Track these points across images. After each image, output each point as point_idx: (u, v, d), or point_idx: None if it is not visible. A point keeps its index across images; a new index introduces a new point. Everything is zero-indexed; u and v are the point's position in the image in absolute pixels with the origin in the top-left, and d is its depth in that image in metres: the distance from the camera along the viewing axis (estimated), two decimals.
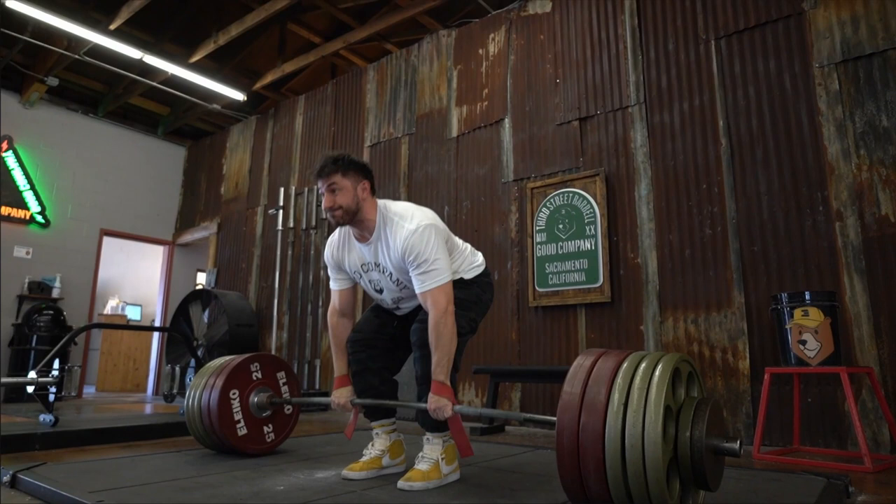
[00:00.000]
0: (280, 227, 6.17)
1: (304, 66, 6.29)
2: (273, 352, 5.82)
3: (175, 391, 5.97)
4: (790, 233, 3.33)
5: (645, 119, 3.99)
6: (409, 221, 2.02)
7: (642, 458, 1.33)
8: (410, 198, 5.11)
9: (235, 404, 2.54)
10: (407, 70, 5.60)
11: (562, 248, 4.18)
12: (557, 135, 4.41)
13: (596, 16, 4.36)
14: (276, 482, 2.04)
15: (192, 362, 5.50)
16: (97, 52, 5.81)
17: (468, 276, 2.20)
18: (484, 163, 4.81)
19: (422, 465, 2.00)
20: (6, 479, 2.05)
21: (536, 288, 4.23)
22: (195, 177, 7.90)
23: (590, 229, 4.07)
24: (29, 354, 6.10)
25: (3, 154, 6.48)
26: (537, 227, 4.32)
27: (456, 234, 2.34)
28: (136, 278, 9.38)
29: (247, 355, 2.68)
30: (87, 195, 7.10)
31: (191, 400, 2.61)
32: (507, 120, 4.74)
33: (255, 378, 2.63)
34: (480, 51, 5.04)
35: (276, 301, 6.03)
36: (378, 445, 2.19)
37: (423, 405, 1.98)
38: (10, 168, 6.50)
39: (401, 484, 1.93)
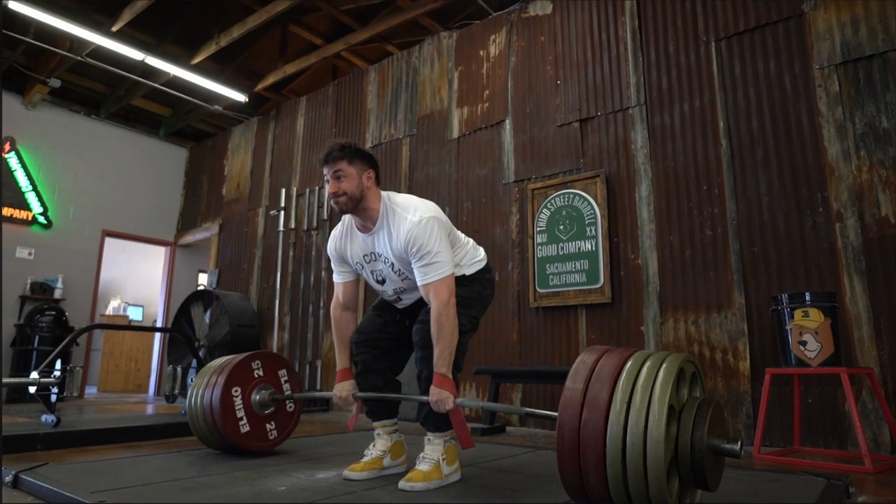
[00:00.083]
0: (281, 228, 6.19)
1: (306, 67, 6.31)
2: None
3: (177, 392, 5.98)
4: (790, 234, 3.34)
5: (645, 120, 4.00)
6: (412, 213, 2.03)
7: (643, 456, 1.33)
8: None
9: (238, 402, 2.54)
10: (408, 71, 5.61)
11: (562, 249, 4.19)
12: (558, 136, 4.42)
13: (596, 17, 4.37)
14: (277, 482, 2.04)
15: (194, 363, 5.51)
16: (99, 53, 5.83)
17: (469, 271, 2.20)
18: (485, 164, 4.82)
19: (423, 466, 2.00)
20: (8, 479, 2.06)
21: (537, 289, 4.24)
22: (197, 178, 7.92)
23: (590, 230, 4.08)
24: (31, 355, 6.11)
25: (6, 155, 6.50)
26: (538, 228, 4.33)
27: None
28: (137, 279, 9.39)
29: (248, 353, 2.69)
30: (90, 196, 7.12)
31: (193, 399, 2.61)
32: (507, 121, 4.75)
33: (256, 376, 2.64)
34: (481, 52, 5.06)
35: (277, 302, 6.05)
36: (379, 446, 2.19)
37: (424, 398, 1.98)
38: (12, 169, 6.53)
39: (402, 484, 1.93)
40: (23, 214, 6.55)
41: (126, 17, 5.30)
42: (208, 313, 6.16)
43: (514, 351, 4.33)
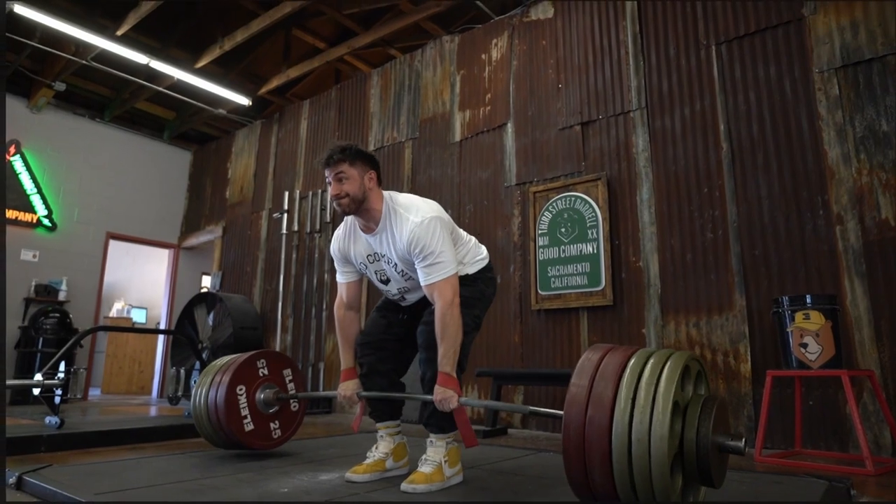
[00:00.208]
0: (284, 230, 6.22)
1: (309, 71, 6.34)
2: None
3: (180, 394, 6.00)
4: (791, 236, 3.35)
5: (646, 124, 4.02)
6: (414, 213, 2.03)
7: (648, 453, 1.34)
8: None
9: (242, 400, 2.55)
10: (410, 75, 5.64)
11: (564, 251, 4.20)
12: (560, 139, 4.44)
13: (598, 22, 4.40)
14: (280, 484, 2.05)
15: (197, 365, 5.53)
16: (104, 57, 5.86)
17: (472, 270, 2.20)
18: (487, 167, 4.84)
19: (425, 468, 2.00)
20: (12, 481, 2.06)
21: (539, 291, 4.26)
22: (200, 181, 7.96)
23: (592, 233, 4.09)
24: (35, 357, 6.14)
25: (11, 158, 6.54)
26: (540, 231, 4.35)
27: None
28: (141, 281, 9.42)
29: (253, 352, 2.70)
30: (94, 199, 7.16)
31: (197, 398, 2.62)
32: (509, 124, 4.77)
33: (261, 374, 2.64)
34: (483, 56, 5.08)
35: (280, 304, 6.07)
36: (382, 448, 2.19)
37: (428, 397, 1.99)
38: (17, 172, 6.57)
39: (404, 486, 1.94)
40: (27, 217, 6.58)
41: (131, 21, 5.34)
42: (211, 315, 6.19)
43: (515, 353, 4.34)
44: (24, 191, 6.59)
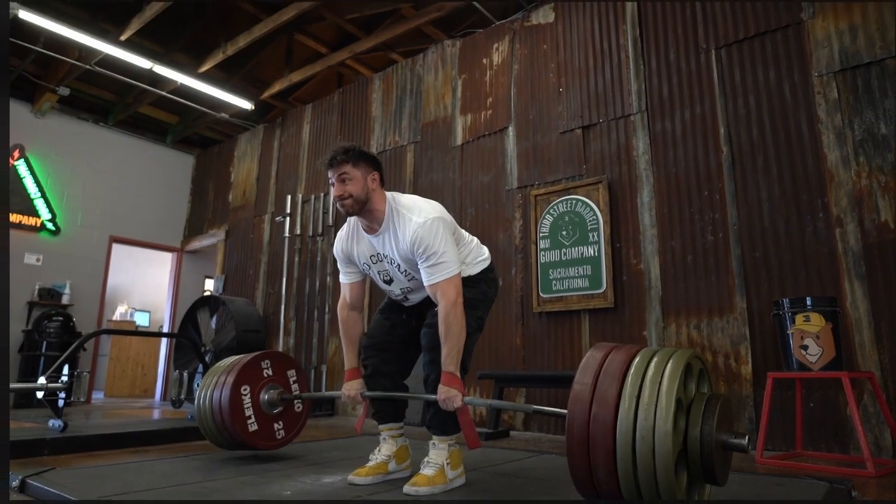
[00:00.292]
0: (287, 234, 6.25)
1: (311, 75, 6.36)
2: None
3: (183, 397, 6.02)
4: (791, 239, 3.37)
5: (647, 127, 4.04)
6: (417, 214, 2.04)
7: (652, 450, 1.34)
8: None
9: (246, 400, 2.55)
10: (412, 79, 5.67)
11: (565, 254, 4.22)
12: (561, 143, 4.46)
13: (598, 26, 4.43)
14: (282, 487, 2.06)
15: (200, 368, 5.55)
16: (108, 62, 5.90)
17: (475, 270, 2.21)
18: (488, 170, 4.87)
19: (427, 471, 2.01)
20: (15, 484, 2.07)
21: (540, 294, 4.28)
22: (203, 185, 8.00)
23: (593, 236, 4.11)
24: (39, 360, 6.15)
25: (15, 162, 6.58)
26: (541, 234, 4.37)
27: None
28: (144, 285, 9.45)
29: (258, 353, 2.70)
30: (97, 203, 7.19)
31: (202, 398, 2.63)
32: (510, 128, 4.80)
33: (265, 375, 2.65)
34: (484, 60, 5.11)
35: (282, 307, 6.10)
36: (384, 450, 2.20)
37: (432, 397, 1.99)
38: (21, 176, 6.60)
39: (406, 489, 1.95)
40: (31, 221, 6.61)
41: (134, 26, 5.37)
42: (214, 318, 6.21)
43: (517, 356, 4.35)
44: (28, 195, 6.63)
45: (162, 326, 8.24)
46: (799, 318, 2.95)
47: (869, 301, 3.08)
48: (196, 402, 2.68)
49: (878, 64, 3.22)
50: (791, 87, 3.49)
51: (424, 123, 5.45)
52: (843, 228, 3.21)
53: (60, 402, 3.65)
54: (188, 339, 5.05)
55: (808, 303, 2.96)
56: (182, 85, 6.22)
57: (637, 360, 1.49)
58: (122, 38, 5.52)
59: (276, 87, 6.53)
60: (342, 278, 2.33)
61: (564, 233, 4.26)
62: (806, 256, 3.30)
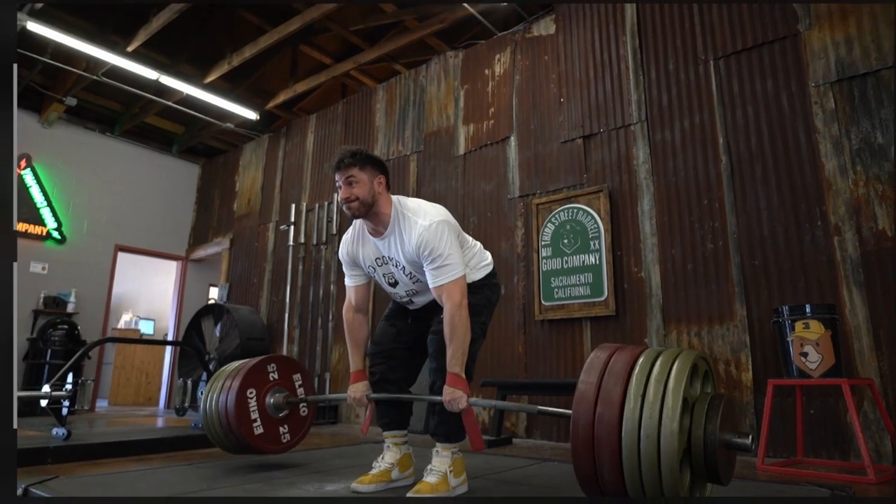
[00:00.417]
0: (291, 242, 6.30)
1: (316, 86, 6.42)
2: None
3: (187, 405, 6.03)
4: (790, 247, 3.40)
5: (647, 137, 4.09)
6: (422, 217, 2.06)
7: (658, 449, 1.34)
8: None
9: (252, 403, 2.55)
10: (415, 90, 5.74)
11: (567, 262, 4.26)
12: (562, 152, 4.51)
13: (598, 37, 4.49)
14: (286, 495, 2.06)
15: (204, 376, 5.58)
16: (115, 73, 5.95)
17: (478, 276, 2.23)
18: (490, 180, 4.92)
19: (430, 478, 2.01)
20: (18, 492, 2.06)
21: (542, 302, 4.31)
22: (208, 194, 8.06)
23: (594, 244, 4.15)
24: (43, 368, 6.15)
25: (21, 172, 6.63)
26: (543, 242, 4.41)
27: None
28: (149, 293, 9.47)
29: (264, 356, 2.71)
30: (103, 212, 7.25)
31: (208, 401, 2.63)
32: (512, 138, 4.85)
33: (271, 379, 2.65)
34: (487, 71, 5.18)
35: (286, 315, 6.13)
36: (388, 458, 2.20)
37: (437, 398, 2.00)
38: (27, 185, 6.64)
39: (409, 496, 1.95)
40: (37, 230, 6.66)
41: (141, 37, 5.42)
42: (219, 327, 6.23)
43: (519, 363, 4.38)
44: (35, 204, 6.67)
45: (166, 335, 8.27)
46: (798, 325, 2.97)
47: (867, 308, 3.10)
48: (202, 405, 2.68)
49: (874, 75, 3.27)
50: (789, 97, 3.54)
51: (427, 133, 5.51)
52: (841, 236, 3.24)
53: (64, 411, 3.64)
54: (192, 348, 5.06)
55: (808, 310, 2.98)
56: (188, 95, 6.28)
57: (641, 360, 1.50)
58: (129, 49, 5.58)
59: (281, 98, 6.59)
60: (347, 281, 2.35)
61: (566, 241, 4.29)
62: (805, 264, 3.33)
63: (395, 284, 2.23)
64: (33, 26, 5.03)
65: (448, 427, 2.08)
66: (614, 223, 4.11)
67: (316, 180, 6.51)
